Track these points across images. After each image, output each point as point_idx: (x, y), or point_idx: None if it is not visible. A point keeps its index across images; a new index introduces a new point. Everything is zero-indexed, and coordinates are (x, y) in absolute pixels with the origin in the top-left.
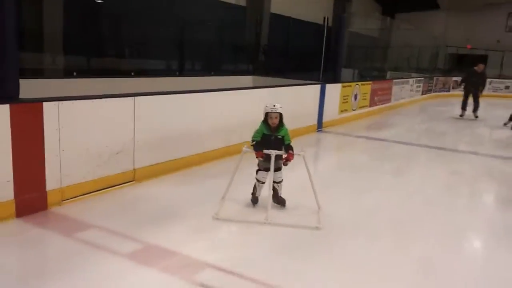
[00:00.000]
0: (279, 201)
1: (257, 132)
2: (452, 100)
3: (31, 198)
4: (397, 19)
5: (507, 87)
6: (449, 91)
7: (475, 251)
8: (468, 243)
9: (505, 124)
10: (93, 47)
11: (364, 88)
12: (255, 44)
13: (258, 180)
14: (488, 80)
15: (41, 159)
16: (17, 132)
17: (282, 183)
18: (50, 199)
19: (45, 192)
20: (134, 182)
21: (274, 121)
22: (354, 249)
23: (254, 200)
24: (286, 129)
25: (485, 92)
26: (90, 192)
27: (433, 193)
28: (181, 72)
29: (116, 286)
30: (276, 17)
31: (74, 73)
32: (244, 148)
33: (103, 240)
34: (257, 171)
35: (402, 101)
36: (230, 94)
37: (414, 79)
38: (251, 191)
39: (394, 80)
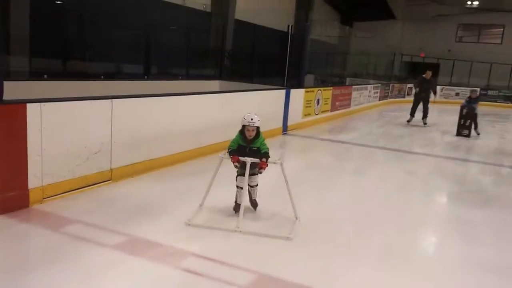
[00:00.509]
0: (252, 203)
1: (233, 141)
2: (407, 106)
3: (14, 196)
4: (355, 28)
5: (457, 94)
6: (404, 97)
7: (429, 239)
8: (422, 232)
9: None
10: (61, 50)
11: (326, 94)
12: (220, 49)
13: (237, 186)
14: (440, 87)
15: (24, 158)
16: (2, 132)
17: (257, 187)
18: (32, 196)
19: (27, 190)
20: (111, 181)
21: (250, 134)
22: (321, 237)
23: (236, 207)
24: (263, 139)
25: (436, 99)
26: (70, 191)
27: (390, 190)
28: (149, 76)
29: (106, 274)
30: (240, 24)
31: (45, 76)
32: (220, 155)
33: (87, 234)
34: (236, 178)
35: (361, 106)
36: (200, 97)
37: (372, 85)
38: (234, 199)
39: (353, 86)
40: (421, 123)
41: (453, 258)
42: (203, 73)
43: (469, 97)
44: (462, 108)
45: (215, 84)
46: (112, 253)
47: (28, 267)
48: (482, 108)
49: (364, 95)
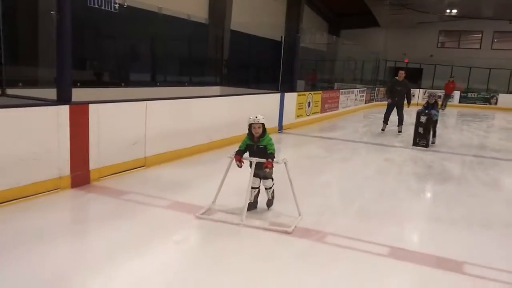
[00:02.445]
0: (267, 202)
1: (242, 143)
2: None
3: (80, 175)
4: (342, 35)
5: (439, 97)
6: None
7: (398, 203)
8: (393, 199)
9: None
10: (85, 61)
11: (316, 97)
12: (219, 58)
13: (251, 187)
14: (422, 90)
15: (86, 146)
16: (73, 125)
17: (272, 189)
18: (92, 176)
19: (89, 170)
20: (144, 166)
21: (257, 131)
22: (313, 204)
23: (249, 206)
24: (270, 139)
25: (419, 101)
26: (117, 172)
27: (370, 172)
28: (160, 83)
29: (163, 223)
30: (237, 34)
31: (78, 84)
32: (229, 156)
33: (142, 200)
34: None
35: (348, 108)
36: (210, 100)
37: (358, 89)
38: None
39: (341, 90)
40: (395, 132)
41: (415, 214)
42: (205, 80)
43: (427, 102)
44: (418, 114)
45: (216, 90)
46: (164, 210)
47: (105, 220)
48: (462, 109)
49: (351, 98)
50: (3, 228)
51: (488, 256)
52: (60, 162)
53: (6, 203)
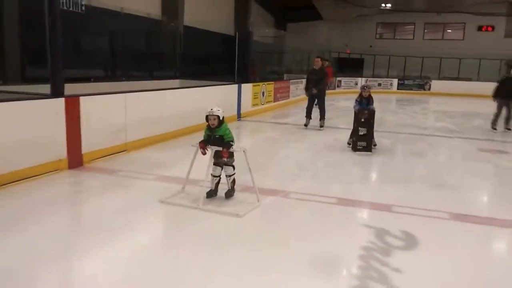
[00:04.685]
0: (226, 193)
1: (204, 132)
2: (336, 96)
3: (75, 157)
4: (288, 29)
5: (379, 84)
6: (335, 89)
7: (341, 169)
8: (339, 167)
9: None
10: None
11: (269, 87)
12: (176, 53)
13: (211, 174)
14: (364, 79)
15: (79, 133)
16: (68, 115)
17: (232, 178)
18: (84, 158)
19: (81, 154)
20: (126, 151)
21: (213, 122)
22: (274, 172)
23: (209, 193)
24: (226, 129)
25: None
26: (104, 156)
27: (320, 148)
28: (125, 77)
29: (152, 191)
30: (190, 29)
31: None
32: (192, 145)
33: (132, 175)
34: None
35: (298, 97)
36: (177, 92)
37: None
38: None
39: (291, 81)
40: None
41: (355, 176)
42: (164, 74)
43: (360, 96)
44: (358, 113)
45: (176, 83)
46: (152, 182)
47: (104, 191)
48: (400, 96)
49: (300, 88)
50: (16, 201)
51: (408, 200)
52: (58, 147)
53: (17, 181)
